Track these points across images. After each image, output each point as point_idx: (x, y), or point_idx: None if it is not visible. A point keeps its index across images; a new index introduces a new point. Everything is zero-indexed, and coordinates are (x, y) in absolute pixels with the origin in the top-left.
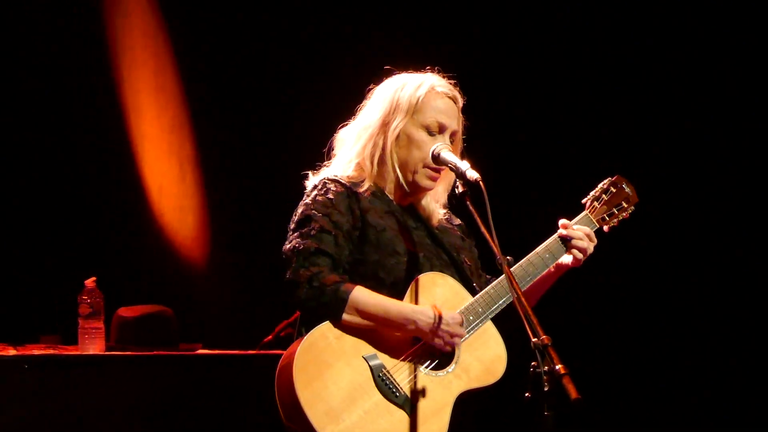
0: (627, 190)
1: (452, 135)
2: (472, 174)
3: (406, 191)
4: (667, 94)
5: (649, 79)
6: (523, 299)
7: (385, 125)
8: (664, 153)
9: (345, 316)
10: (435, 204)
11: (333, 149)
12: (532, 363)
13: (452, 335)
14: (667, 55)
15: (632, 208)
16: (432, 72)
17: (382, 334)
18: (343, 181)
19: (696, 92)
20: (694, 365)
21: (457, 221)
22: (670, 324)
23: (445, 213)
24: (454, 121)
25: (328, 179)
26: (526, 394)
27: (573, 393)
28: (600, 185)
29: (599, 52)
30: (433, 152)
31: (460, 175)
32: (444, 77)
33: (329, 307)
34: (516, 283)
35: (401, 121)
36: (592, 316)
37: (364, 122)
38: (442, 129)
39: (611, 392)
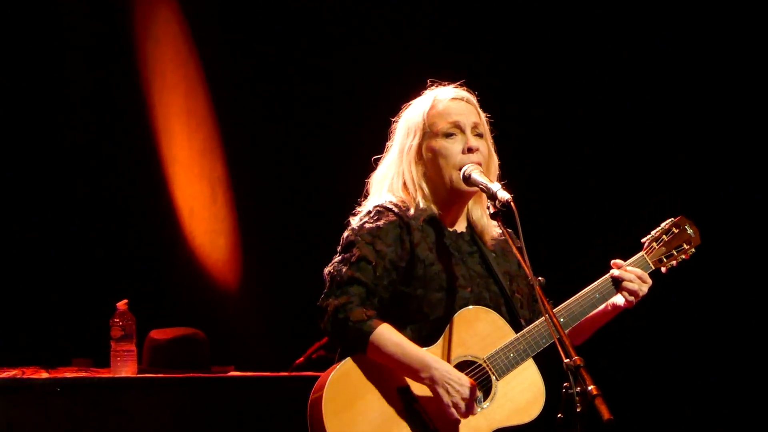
0: (690, 231)
1: (474, 128)
2: (503, 195)
3: (456, 208)
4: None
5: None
6: (555, 319)
7: (404, 152)
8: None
9: (368, 354)
10: (488, 218)
11: (368, 194)
12: (565, 384)
13: (464, 406)
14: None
15: (693, 250)
16: (435, 85)
17: None
18: (396, 210)
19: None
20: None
21: (518, 243)
22: (708, 347)
23: (503, 232)
24: (468, 115)
25: (382, 206)
26: (559, 415)
27: (606, 414)
28: (662, 225)
29: (670, 81)
30: (463, 173)
31: (491, 196)
32: (448, 84)
33: (351, 343)
34: (548, 303)
35: (415, 140)
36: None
37: (388, 159)
38: (459, 127)
39: (644, 413)
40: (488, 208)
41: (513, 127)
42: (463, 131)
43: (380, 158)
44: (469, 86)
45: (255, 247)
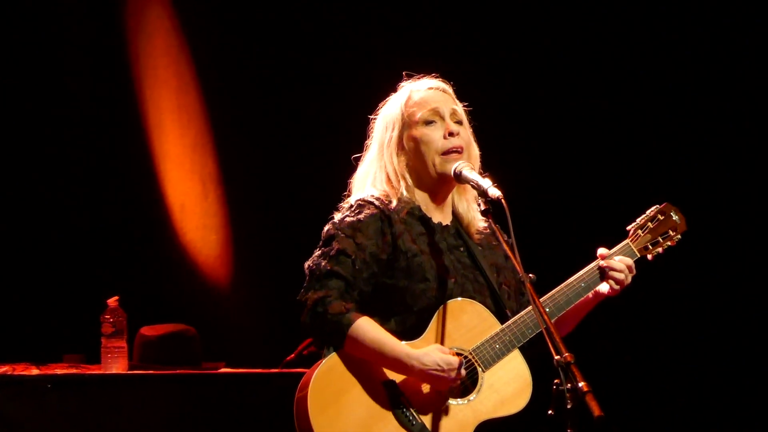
0: (675, 218)
1: (453, 115)
2: (494, 192)
3: (441, 196)
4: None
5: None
6: (546, 316)
7: (385, 146)
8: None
9: (346, 348)
10: (474, 211)
11: (351, 194)
12: (555, 380)
13: (454, 383)
14: (727, 80)
15: (679, 236)
16: (409, 80)
17: None
18: (377, 203)
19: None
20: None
21: (505, 237)
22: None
23: (488, 226)
24: (446, 103)
25: (363, 200)
26: (549, 412)
27: (596, 410)
28: (647, 213)
29: (652, 74)
30: (454, 170)
31: (482, 192)
32: (423, 76)
33: (330, 337)
34: (539, 301)
35: (395, 131)
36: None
37: (368, 156)
38: (438, 113)
39: (635, 410)
40: (479, 204)
41: (495, 117)
42: (442, 118)
43: (360, 157)
44: (454, 78)
45: (246, 243)
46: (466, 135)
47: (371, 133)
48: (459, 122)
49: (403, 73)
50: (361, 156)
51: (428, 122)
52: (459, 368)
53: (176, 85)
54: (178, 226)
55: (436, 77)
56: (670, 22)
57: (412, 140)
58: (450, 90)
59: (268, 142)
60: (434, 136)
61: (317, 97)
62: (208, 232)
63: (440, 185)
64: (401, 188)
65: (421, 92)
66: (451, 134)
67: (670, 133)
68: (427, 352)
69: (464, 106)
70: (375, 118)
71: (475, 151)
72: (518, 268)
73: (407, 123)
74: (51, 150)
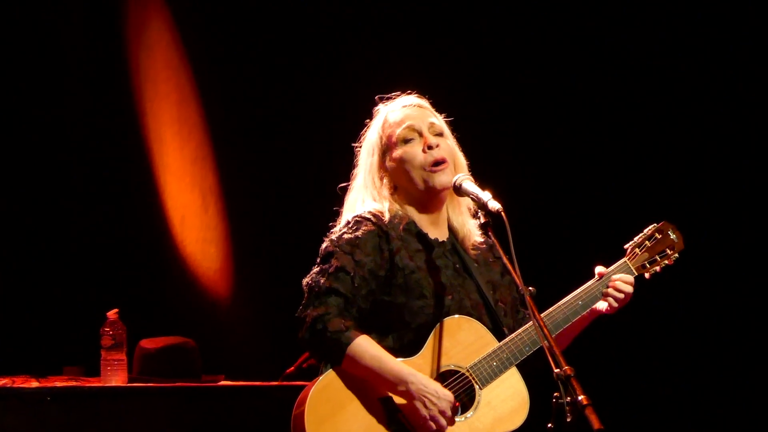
0: (673, 236)
1: (431, 128)
2: (494, 205)
3: (433, 212)
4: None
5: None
6: (545, 330)
7: (369, 171)
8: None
9: (344, 366)
10: (470, 224)
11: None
12: (555, 394)
13: (441, 419)
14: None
15: (677, 255)
16: (383, 102)
17: None
18: (374, 220)
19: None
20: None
21: (501, 253)
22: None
23: (485, 241)
24: (422, 118)
25: (361, 217)
26: (549, 425)
27: (596, 424)
28: (644, 231)
29: (650, 90)
30: (455, 183)
31: (482, 205)
32: (398, 95)
33: (329, 354)
34: (538, 313)
35: (376, 156)
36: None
37: (356, 183)
38: (415, 130)
39: (634, 423)
40: (479, 218)
41: (494, 130)
42: (420, 134)
43: (347, 186)
44: (455, 93)
45: (246, 255)
46: (447, 146)
47: (357, 161)
48: (439, 134)
49: (376, 97)
50: (348, 185)
51: (407, 140)
52: (453, 411)
53: (176, 98)
54: (178, 239)
55: (410, 93)
56: (665, 41)
57: (394, 161)
58: (426, 104)
59: (269, 155)
60: (414, 152)
61: (318, 111)
62: (208, 244)
63: (429, 198)
64: (394, 209)
65: (396, 112)
66: (430, 147)
67: (669, 151)
68: (431, 380)
69: (444, 117)
70: (359, 147)
71: (461, 160)
72: (518, 281)
73: (387, 145)
74: (51, 162)
